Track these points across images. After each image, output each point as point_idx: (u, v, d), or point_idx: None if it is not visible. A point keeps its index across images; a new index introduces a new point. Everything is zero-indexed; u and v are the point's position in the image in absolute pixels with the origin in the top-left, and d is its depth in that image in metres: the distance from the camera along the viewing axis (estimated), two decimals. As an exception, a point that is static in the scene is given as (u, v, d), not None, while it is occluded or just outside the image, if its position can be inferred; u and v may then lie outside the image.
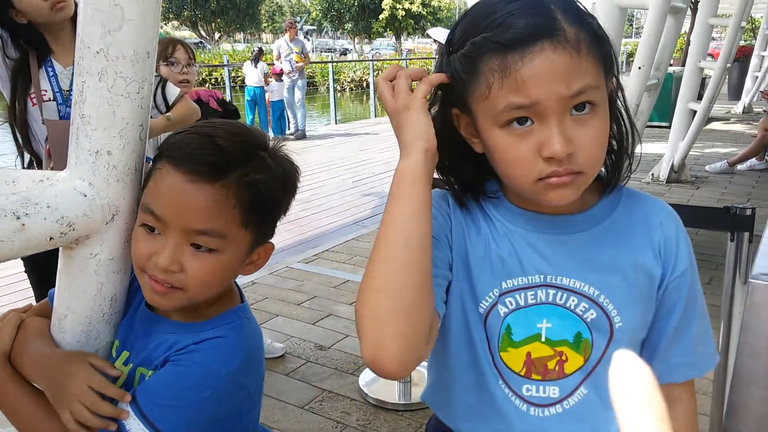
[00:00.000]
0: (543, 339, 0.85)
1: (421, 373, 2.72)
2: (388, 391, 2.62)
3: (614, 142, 0.86)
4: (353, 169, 7.72)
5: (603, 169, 0.87)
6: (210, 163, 0.84)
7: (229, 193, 0.85)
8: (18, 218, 0.78)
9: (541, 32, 0.72)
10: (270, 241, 0.97)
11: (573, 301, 0.85)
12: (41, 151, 2.03)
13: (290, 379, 2.77)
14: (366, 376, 2.74)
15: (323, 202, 6.05)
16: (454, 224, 0.88)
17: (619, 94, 0.84)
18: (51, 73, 2.05)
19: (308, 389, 2.69)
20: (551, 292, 0.85)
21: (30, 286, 2.18)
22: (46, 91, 2.03)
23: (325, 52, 39.32)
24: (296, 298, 3.65)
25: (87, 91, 0.84)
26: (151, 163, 0.91)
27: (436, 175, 0.86)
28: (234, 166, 0.85)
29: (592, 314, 0.84)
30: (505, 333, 0.85)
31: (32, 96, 2.01)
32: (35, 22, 1.98)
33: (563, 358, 0.85)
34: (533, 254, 0.85)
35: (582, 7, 0.78)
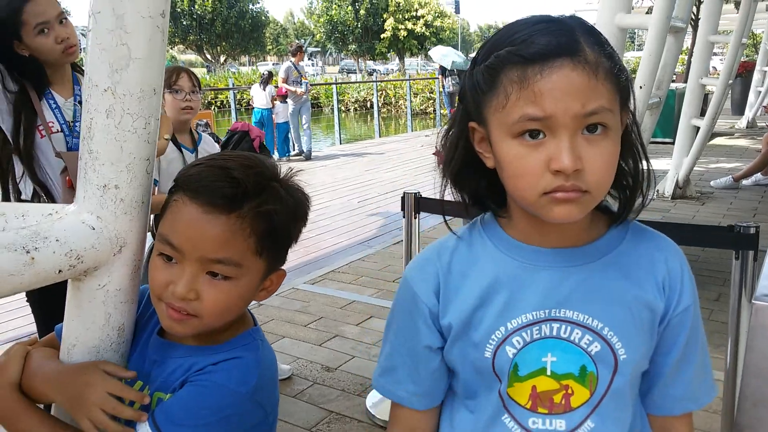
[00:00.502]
0: (548, 372, 0.85)
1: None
2: (395, 414, 2.62)
3: (630, 179, 0.87)
4: (358, 189, 7.75)
5: (610, 200, 0.88)
6: (226, 195, 0.87)
7: (244, 224, 0.88)
8: (28, 252, 0.81)
9: (563, 50, 0.75)
10: (282, 267, 1.00)
11: (577, 334, 0.85)
12: (48, 182, 2.05)
13: (297, 401, 2.77)
14: (373, 397, 2.73)
15: (328, 223, 6.07)
16: (444, 298, 0.89)
17: (634, 129, 0.86)
18: (54, 105, 2.07)
19: (315, 411, 2.69)
20: (555, 325, 0.85)
21: (32, 315, 2.19)
22: (52, 123, 2.06)
23: (351, 73, 39.83)
24: (302, 319, 3.65)
25: (95, 127, 0.86)
26: (157, 187, 0.94)
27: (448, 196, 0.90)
28: (249, 197, 0.88)
29: (596, 347, 0.85)
30: (512, 370, 0.86)
31: (39, 128, 2.04)
32: (43, 60, 2.03)
33: (569, 391, 0.85)
34: (537, 290, 0.86)
35: (603, 36, 0.80)
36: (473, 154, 0.87)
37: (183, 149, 2.49)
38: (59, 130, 2.07)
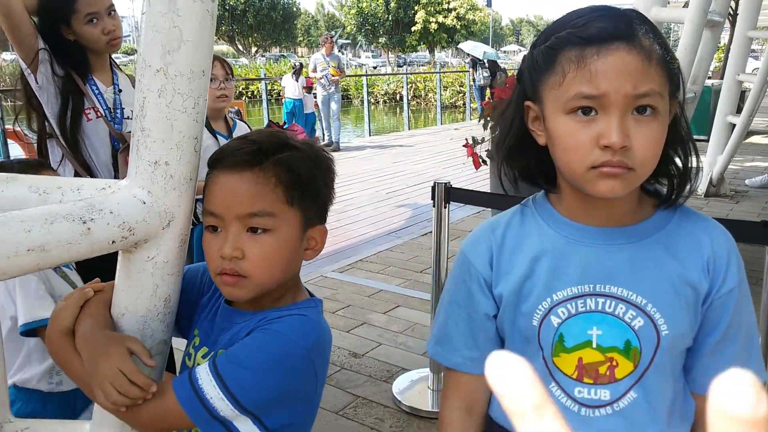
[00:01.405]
0: (594, 345, 0.90)
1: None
2: (422, 399, 2.66)
3: (680, 164, 0.91)
4: (387, 180, 7.78)
5: (659, 186, 0.93)
6: (246, 154, 0.96)
7: (268, 175, 0.95)
8: (84, 222, 0.85)
9: (620, 34, 0.80)
10: (323, 224, 1.05)
11: (621, 309, 0.89)
12: (92, 165, 2.12)
13: (325, 385, 2.82)
14: (400, 383, 2.77)
15: (357, 213, 6.12)
16: (497, 269, 0.96)
17: (683, 119, 0.90)
18: (96, 91, 2.14)
19: (343, 395, 2.74)
20: (600, 300, 0.90)
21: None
22: (97, 108, 2.13)
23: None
24: (331, 306, 3.71)
25: (147, 106, 0.91)
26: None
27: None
28: (267, 153, 0.96)
29: (639, 322, 0.89)
30: (558, 341, 0.91)
31: (86, 112, 2.10)
32: (88, 47, 2.10)
33: (614, 363, 0.90)
34: (583, 265, 0.90)
35: (658, 30, 0.85)
36: (526, 133, 0.92)
37: (218, 136, 2.55)
38: (103, 115, 2.13)
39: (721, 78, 7.65)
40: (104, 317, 1.00)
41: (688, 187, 0.92)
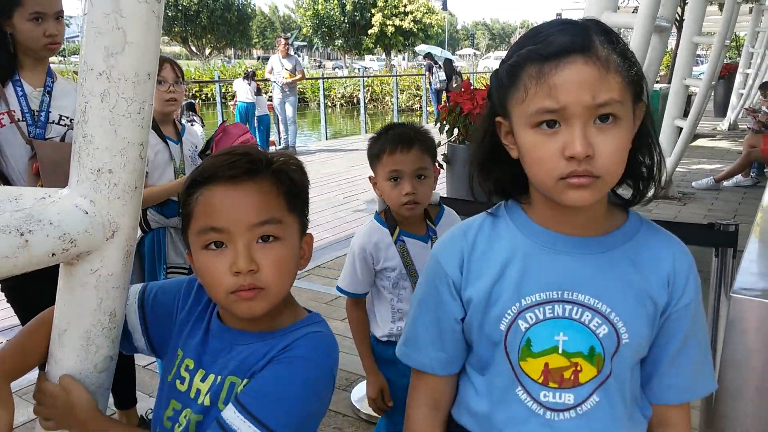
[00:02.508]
0: (560, 351, 0.92)
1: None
2: (380, 406, 2.63)
3: (644, 170, 0.95)
4: (344, 185, 7.75)
5: (619, 191, 0.96)
6: (245, 164, 0.94)
7: (270, 184, 0.95)
8: (22, 235, 0.81)
9: (576, 47, 0.83)
10: (308, 232, 1.04)
11: (587, 316, 0.92)
12: (12, 174, 1.99)
13: (282, 394, 2.77)
14: (358, 391, 2.75)
15: (314, 218, 6.04)
16: (467, 272, 0.97)
17: (648, 123, 0.93)
18: (20, 93, 2.03)
19: (300, 404, 2.69)
20: (567, 307, 0.92)
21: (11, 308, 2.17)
22: (14, 111, 2.02)
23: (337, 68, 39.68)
24: (287, 313, 3.65)
25: (89, 111, 0.87)
26: (146, 179, 0.94)
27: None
28: (265, 164, 0.96)
29: (603, 330, 0.92)
30: (525, 345, 0.93)
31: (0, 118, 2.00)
32: (21, 45, 2.00)
33: (578, 368, 0.92)
34: (552, 271, 0.93)
35: (617, 36, 0.88)
36: (498, 147, 0.95)
37: (168, 140, 2.48)
38: (21, 119, 2.02)
39: (669, 82, 7.88)
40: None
41: (652, 189, 0.96)
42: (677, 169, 6.66)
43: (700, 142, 10.41)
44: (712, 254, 2.09)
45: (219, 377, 0.97)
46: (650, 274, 0.94)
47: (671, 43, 11.91)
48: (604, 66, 0.83)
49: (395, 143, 1.75)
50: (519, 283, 0.93)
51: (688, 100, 7.37)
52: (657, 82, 5.44)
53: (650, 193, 0.97)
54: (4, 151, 2.00)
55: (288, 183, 0.97)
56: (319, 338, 0.97)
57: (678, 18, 9.81)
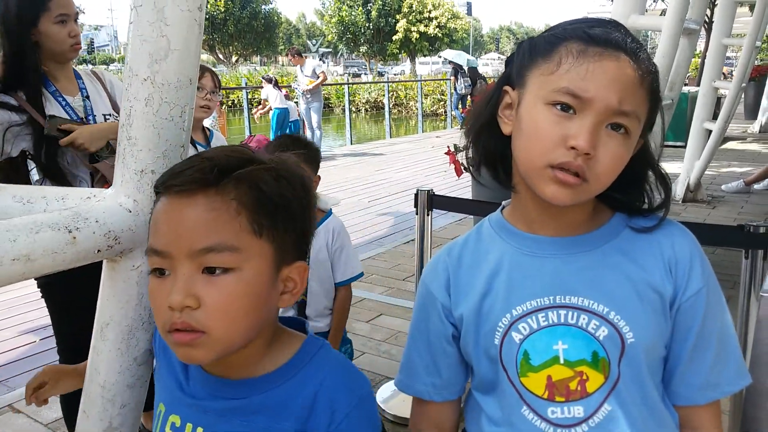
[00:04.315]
0: (561, 361, 0.86)
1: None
2: (406, 408, 2.64)
3: (654, 176, 0.91)
4: (369, 188, 7.79)
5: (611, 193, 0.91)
6: (198, 171, 0.76)
7: (226, 197, 0.75)
8: (70, 231, 0.85)
9: (627, 49, 0.81)
10: (302, 261, 0.84)
11: (584, 319, 0.86)
12: (75, 178, 2.07)
13: (309, 395, 2.80)
14: (384, 392, 2.77)
15: (340, 222, 6.10)
16: (455, 290, 0.94)
17: (652, 142, 0.90)
18: (64, 104, 2.08)
19: (327, 405, 2.72)
20: (562, 312, 0.87)
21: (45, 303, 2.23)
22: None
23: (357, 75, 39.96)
24: (314, 315, 3.69)
25: (134, 115, 0.91)
26: None
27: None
28: (226, 171, 0.76)
29: (603, 331, 0.85)
30: (523, 359, 0.87)
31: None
32: (50, 51, 2.04)
33: (584, 377, 0.86)
34: (539, 277, 0.88)
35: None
36: (494, 121, 0.91)
37: (197, 145, 2.54)
38: None
39: (697, 85, 7.78)
40: None
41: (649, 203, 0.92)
42: (706, 172, 6.57)
43: (729, 144, 10.24)
44: (742, 256, 2.07)
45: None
46: (648, 263, 0.88)
47: (700, 45, 11.75)
48: (642, 78, 0.81)
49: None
50: (508, 293, 0.89)
51: (718, 102, 7.26)
52: (685, 84, 5.40)
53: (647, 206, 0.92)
54: (70, 162, 2.06)
55: (256, 196, 0.76)
56: (347, 373, 0.85)
57: (707, 20, 9.68)
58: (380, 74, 40.64)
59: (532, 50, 0.86)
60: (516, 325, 0.88)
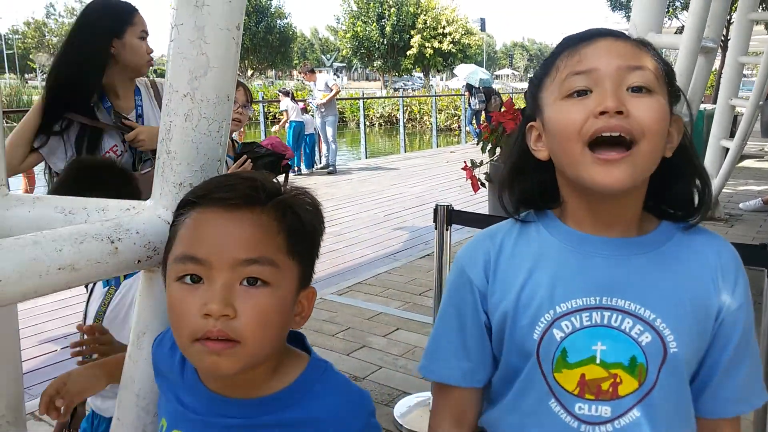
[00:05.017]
0: (598, 361, 0.86)
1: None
2: (423, 422, 2.65)
3: (698, 182, 0.90)
4: (384, 203, 7.82)
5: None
6: (250, 189, 0.81)
7: (270, 218, 0.80)
8: (112, 242, 0.88)
9: (609, 32, 0.86)
10: (311, 286, 0.89)
11: (628, 323, 0.85)
12: None
13: (326, 408, 2.81)
14: (401, 407, 2.77)
15: (355, 236, 6.13)
16: (493, 277, 0.92)
17: (687, 140, 0.89)
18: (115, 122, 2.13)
19: (344, 418, 2.72)
20: (606, 314, 0.86)
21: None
22: (116, 146, 2.15)
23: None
24: (330, 329, 3.71)
25: (174, 130, 0.94)
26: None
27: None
28: (268, 194, 0.82)
29: (647, 338, 0.85)
30: (561, 355, 0.87)
31: (108, 154, 2.12)
32: (129, 63, 2.12)
33: (617, 380, 0.86)
34: (589, 276, 0.87)
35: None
36: (526, 155, 0.92)
37: (226, 157, 2.58)
38: (125, 151, 2.15)
39: (713, 103, 7.75)
40: None
41: (703, 211, 0.91)
42: (723, 190, 6.53)
43: (747, 163, 10.18)
44: (765, 275, 2.06)
45: None
46: (697, 272, 0.87)
47: (716, 63, 11.72)
48: (636, 44, 0.84)
49: None
50: (552, 289, 0.87)
51: (735, 120, 7.23)
52: (702, 102, 5.39)
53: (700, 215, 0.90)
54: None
55: (293, 221, 0.81)
56: (351, 399, 0.86)
57: (723, 38, 9.67)
58: (395, 89, 40.88)
59: (535, 80, 0.91)
60: (559, 323, 0.86)
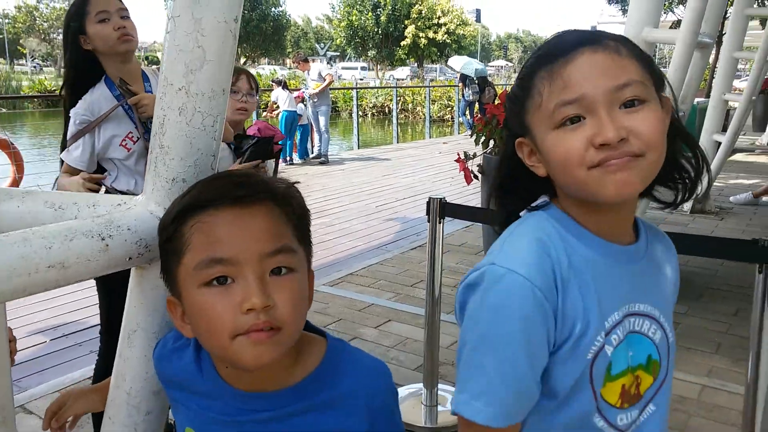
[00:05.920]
0: (629, 368, 0.86)
1: (445, 396, 2.74)
2: (415, 415, 2.65)
3: (689, 168, 0.88)
4: (376, 194, 7.80)
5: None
6: (254, 184, 0.84)
7: (280, 209, 0.83)
8: (103, 239, 0.86)
9: (584, 42, 0.80)
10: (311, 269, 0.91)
11: (646, 325, 0.88)
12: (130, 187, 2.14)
13: (318, 400, 2.80)
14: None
15: (346, 227, 6.11)
16: (562, 306, 0.82)
17: (677, 120, 0.87)
18: (128, 107, 2.12)
19: (335, 411, 2.72)
20: (632, 320, 0.87)
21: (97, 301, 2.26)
22: (131, 133, 2.14)
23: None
24: (322, 320, 3.70)
25: (167, 124, 0.92)
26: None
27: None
28: (269, 188, 0.85)
29: (658, 335, 0.89)
30: (606, 370, 0.84)
31: (123, 143, 2.12)
32: (100, 51, 2.09)
33: (638, 380, 0.87)
34: (621, 286, 0.86)
35: (629, 39, 0.83)
36: (519, 170, 0.89)
37: (233, 147, 2.54)
38: (140, 136, 2.13)
39: (706, 97, 7.77)
40: None
41: (697, 188, 0.90)
42: (715, 184, 6.56)
43: (738, 156, 10.22)
44: (756, 270, 2.07)
45: None
46: (670, 266, 0.95)
47: (710, 57, 11.72)
48: (615, 52, 0.78)
49: None
50: (599, 304, 0.83)
51: (727, 114, 7.26)
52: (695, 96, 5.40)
53: (689, 196, 0.90)
54: (134, 175, 2.14)
55: (297, 208, 0.86)
56: (375, 374, 0.89)
57: (718, 33, 9.67)
58: (431, 80, 40.71)
59: (515, 100, 0.86)
60: (609, 338, 0.83)
